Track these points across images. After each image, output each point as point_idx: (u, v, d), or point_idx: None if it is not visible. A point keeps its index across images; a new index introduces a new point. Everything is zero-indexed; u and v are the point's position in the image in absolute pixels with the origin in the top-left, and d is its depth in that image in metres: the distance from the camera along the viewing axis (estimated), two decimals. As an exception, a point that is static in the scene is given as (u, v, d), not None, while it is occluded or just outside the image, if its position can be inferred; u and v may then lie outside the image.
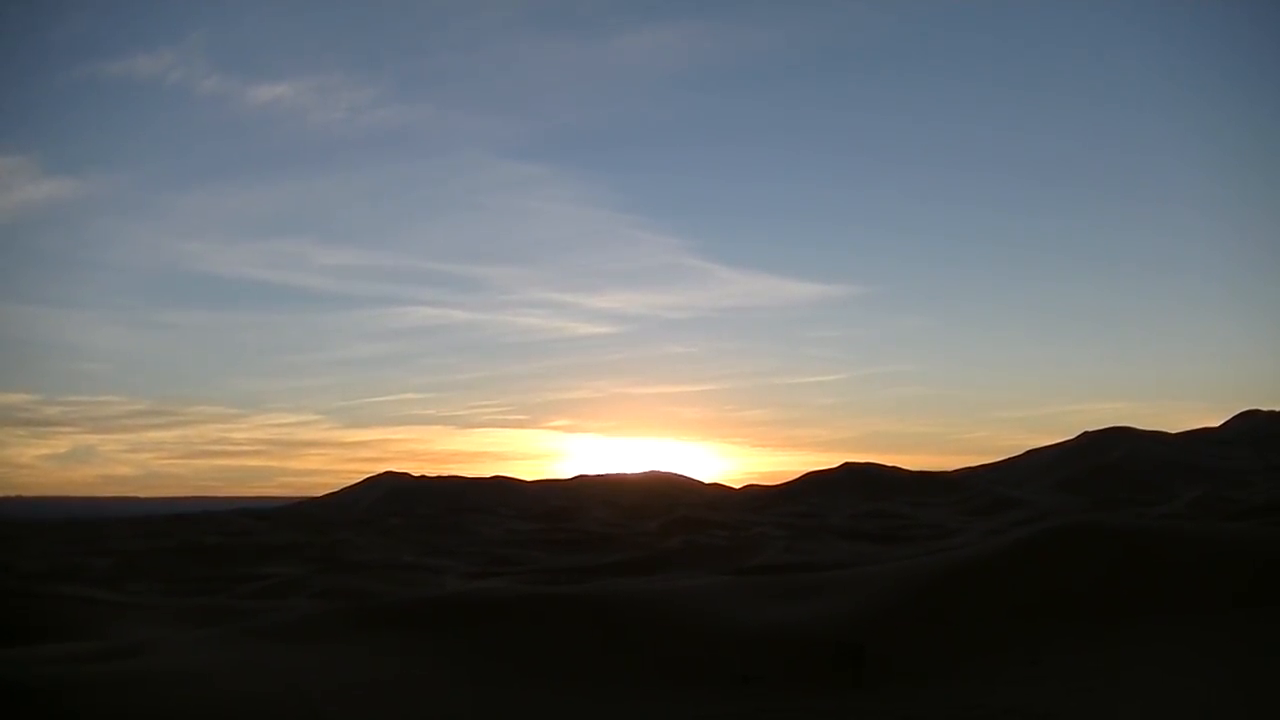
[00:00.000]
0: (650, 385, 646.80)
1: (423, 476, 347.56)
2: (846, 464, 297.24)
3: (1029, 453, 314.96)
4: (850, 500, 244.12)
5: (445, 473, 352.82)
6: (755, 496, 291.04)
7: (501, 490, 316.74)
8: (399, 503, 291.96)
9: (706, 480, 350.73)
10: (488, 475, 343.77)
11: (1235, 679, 31.35)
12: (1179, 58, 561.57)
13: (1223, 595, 40.47)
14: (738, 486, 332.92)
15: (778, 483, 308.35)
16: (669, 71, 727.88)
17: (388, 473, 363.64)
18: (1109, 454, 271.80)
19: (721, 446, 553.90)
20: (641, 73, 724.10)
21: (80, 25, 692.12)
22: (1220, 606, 39.55)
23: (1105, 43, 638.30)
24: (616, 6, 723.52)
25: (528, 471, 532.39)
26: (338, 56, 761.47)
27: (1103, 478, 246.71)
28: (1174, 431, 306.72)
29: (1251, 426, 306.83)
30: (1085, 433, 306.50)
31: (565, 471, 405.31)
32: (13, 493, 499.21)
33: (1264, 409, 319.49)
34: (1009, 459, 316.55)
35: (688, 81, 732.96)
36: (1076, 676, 34.58)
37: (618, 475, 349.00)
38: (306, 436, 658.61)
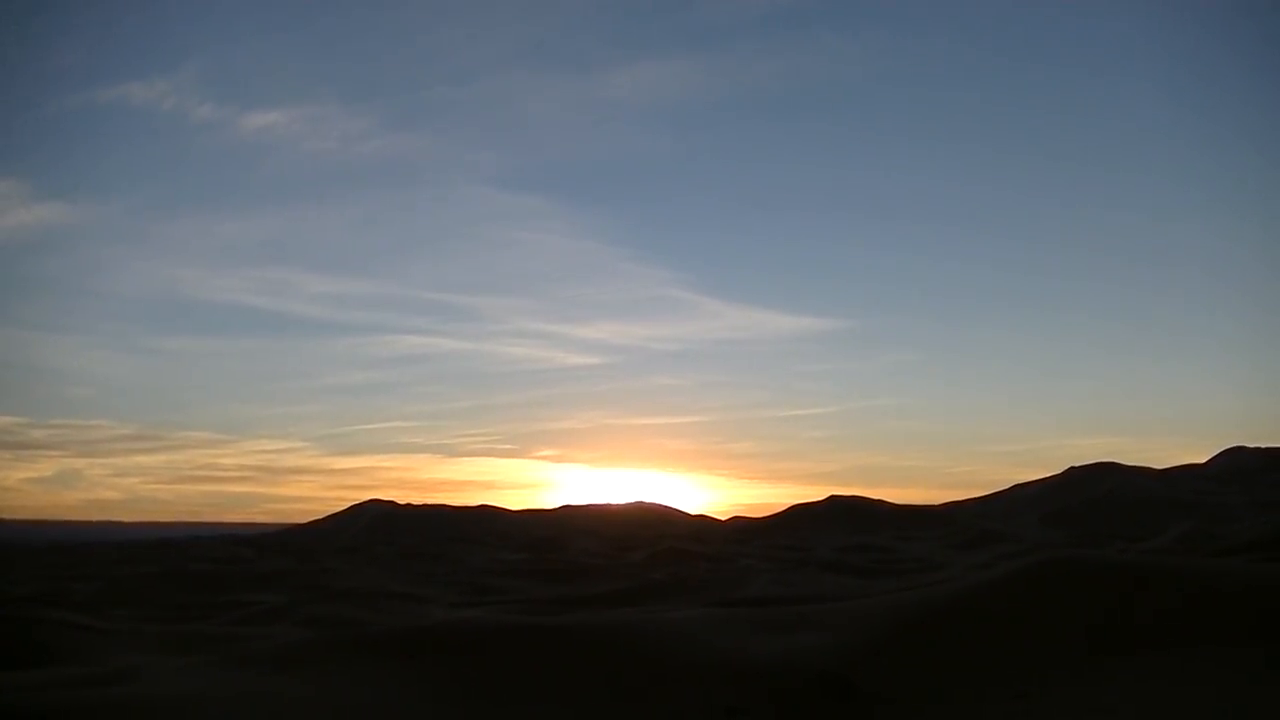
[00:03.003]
0: (638, 417, 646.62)
1: (409, 504, 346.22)
2: (833, 497, 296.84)
3: (1015, 487, 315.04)
4: (837, 533, 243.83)
5: (432, 501, 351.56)
6: (741, 528, 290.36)
7: (487, 519, 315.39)
8: (385, 531, 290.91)
9: (692, 512, 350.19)
10: (474, 504, 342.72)
11: (1222, 718, 31.47)
12: (1170, 103, 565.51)
13: (1209, 632, 40.58)
14: (724, 518, 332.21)
15: (764, 515, 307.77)
16: (661, 106, 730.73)
17: (374, 500, 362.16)
18: (1095, 489, 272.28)
19: (708, 478, 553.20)
20: (634, 107, 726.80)
21: (75, 52, 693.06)
22: (1206, 643, 39.65)
23: (1089, 78, 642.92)
24: (610, 42, 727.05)
25: (514, 501, 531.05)
26: (331, 86, 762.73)
27: (1089, 512, 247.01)
28: (1161, 467, 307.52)
29: (1238, 462, 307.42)
30: (1072, 467, 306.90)
31: (551, 501, 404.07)
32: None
33: (1250, 445, 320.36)
34: (995, 493, 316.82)
35: (680, 116, 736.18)
36: (1063, 712, 34.65)
37: (603, 505, 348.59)
38: (293, 463, 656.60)
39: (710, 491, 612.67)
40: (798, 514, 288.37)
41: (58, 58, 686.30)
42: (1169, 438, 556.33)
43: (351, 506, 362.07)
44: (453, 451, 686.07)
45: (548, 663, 45.53)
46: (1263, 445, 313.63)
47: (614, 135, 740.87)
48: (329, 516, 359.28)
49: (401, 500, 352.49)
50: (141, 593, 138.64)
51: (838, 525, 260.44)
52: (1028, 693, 37.42)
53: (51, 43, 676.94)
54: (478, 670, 45.14)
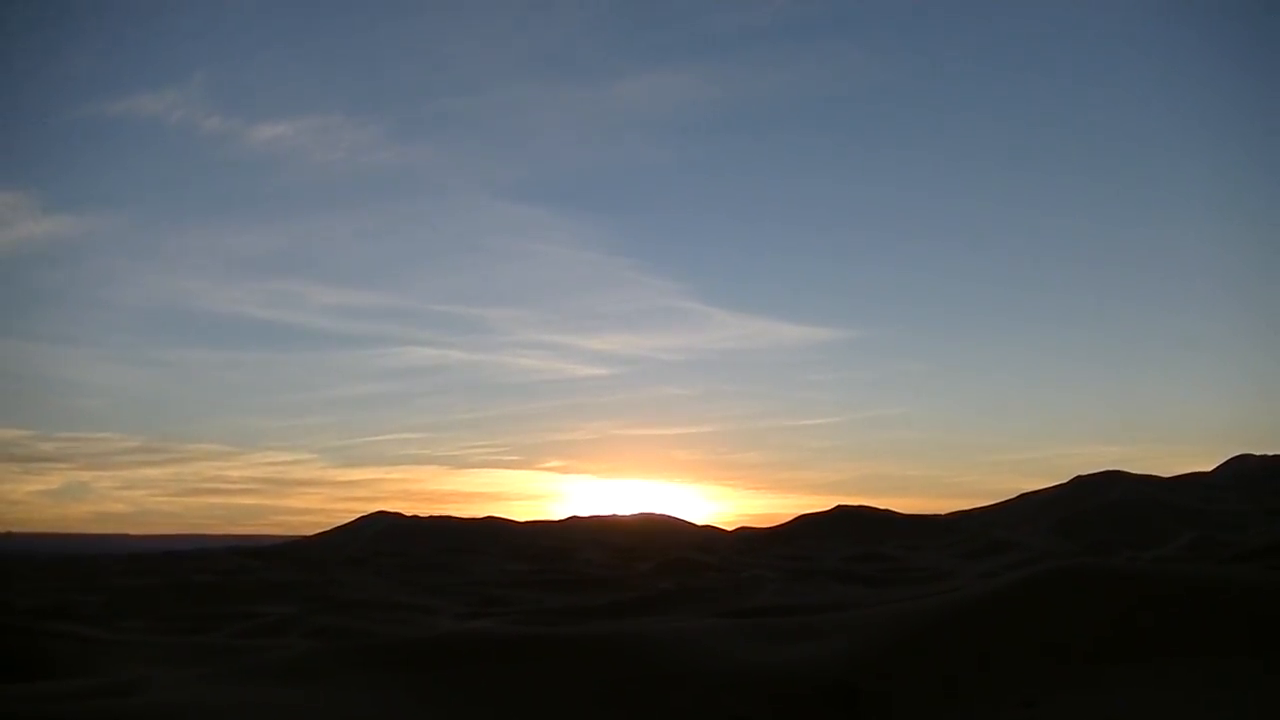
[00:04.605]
0: (645, 427, 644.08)
1: (416, 516, 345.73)
2: (840, 506, 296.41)
3: (1022, 496, 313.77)
4: (843, 543, 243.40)
5: (439, 512, 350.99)
6: (748, 538, 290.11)
7: (494, 531, 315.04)
8: (392, 542, 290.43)
9: (699, 522, 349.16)
10: (481, 515, 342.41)
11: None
12: (1173, 112, 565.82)
13: (1217, 639, 40.56)
14: (730, 528, 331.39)
15: (771, 525, 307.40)
16: (668, 117, 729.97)
17: (381, 512, 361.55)
18: (1102, 497, 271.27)
19: (714, 488, 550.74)
20: (640, 118, 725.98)
21: (83, 64, 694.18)
22: (1215, 651, 39.63)
23: (1096, 90, 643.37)
24: (617, 53, 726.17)
25: (521, 512, 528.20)
26: (339, 98, 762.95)
27: (1096, 521, 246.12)
28: (1167, 475, 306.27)
29: (1244, 470, 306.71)
30: (1078, 476, 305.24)
31: (558, 512, 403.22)
32: (5, 529, 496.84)
33: (1256, 453, 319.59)
34: (1002, 502, 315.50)
35: (686, 127, 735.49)
36: None
37: (610, 516, 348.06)
38: (301, 475, 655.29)
39: (717, 502, 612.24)
40: (804, 524, 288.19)
41: (65, 69, 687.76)
42: (1175, 446, 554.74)
43: (359, 518, 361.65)
44: (460, 463, 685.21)
45: (554, 673, 45.59)
46: (1269, 453, 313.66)
47: (620, 146, 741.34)
48: (336, 528, 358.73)
49: (408, 512, 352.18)
50: (149, 605, 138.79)
51: (844, 535, 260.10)
52: (1035, 702, 37.44)
53: (59, 54, 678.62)
54: (485, 681, 45.21)
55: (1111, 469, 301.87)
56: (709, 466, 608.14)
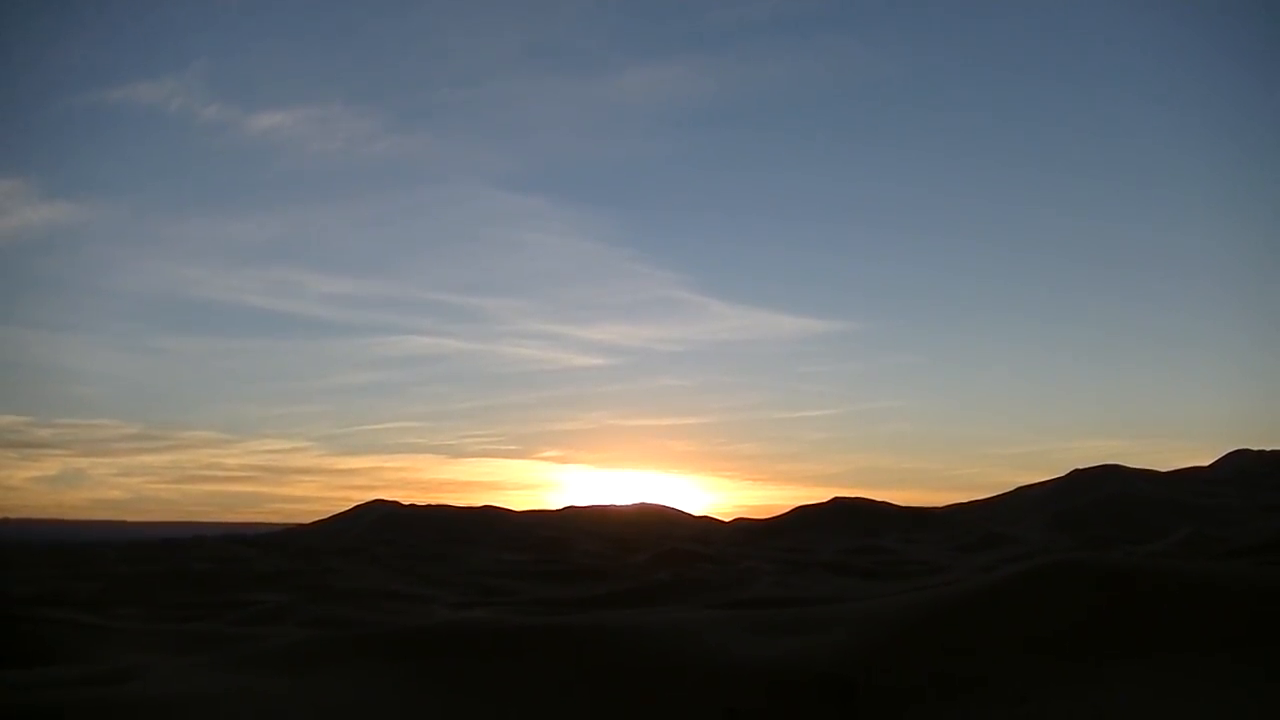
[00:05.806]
0: (642, 418, 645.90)
1: (412, 505, 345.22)
2: (837, 499, 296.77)
3: (1019, 489, 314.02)
4: (840, 535, 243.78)
5: (435, 501, 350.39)
6: (745, 530, 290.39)
7: (490, 520, 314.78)
8: (388, 531, 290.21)
9: (696, 513, 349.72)
10: (478, 505, 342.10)
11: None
12: (1171, 109, 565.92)
13: (1213, 635, 40.55)
14: (727, 520, 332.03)
15: (767, 516, 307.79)
16: (667, 107, 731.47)
17: (377, 500, 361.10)
18: (1099, 492, 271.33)
19: (712, 479, 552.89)
20: (640, 108, 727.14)
21: (82, 52, 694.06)
22: (1210, 647, 39.62)
23: (1095, 86, 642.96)
24: (616, 43, 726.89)
25: (518, 502, 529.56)
26: (338, 87, 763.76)
27: (1093, 515, 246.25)
28: (1164, 470, 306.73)
29: (1241, 465, 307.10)
30: (1075, 470, 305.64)
31: (555, 502, 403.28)
32: (2, 515, 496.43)
33: (1253, 448, 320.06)
34: (999, 495, 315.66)
35: (685, 117, 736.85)
36: (1065, 715, 34.61)
37: (607, 507, 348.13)
38: (298, 463, 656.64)
39: (714, 493, 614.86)
40: (801, 516, 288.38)
41: (65, 57, 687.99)
42: (1172, 440, 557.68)
43: (355, 507, 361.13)
44: (457, 452, 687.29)
45: (548, 663, 45.55)
46: (1267, 448, 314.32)
47: (619, 137, 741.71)
48: (333, 517, 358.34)
49: (405, 501, 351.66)
50: (145, 592, 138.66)
51: (841, 527, 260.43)
52: (1028, 697, 37.40)
53: (59, 42, 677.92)
54: (480, 670, 45.18)
55: (1109, 463, 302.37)
56: (706, 457, 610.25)
